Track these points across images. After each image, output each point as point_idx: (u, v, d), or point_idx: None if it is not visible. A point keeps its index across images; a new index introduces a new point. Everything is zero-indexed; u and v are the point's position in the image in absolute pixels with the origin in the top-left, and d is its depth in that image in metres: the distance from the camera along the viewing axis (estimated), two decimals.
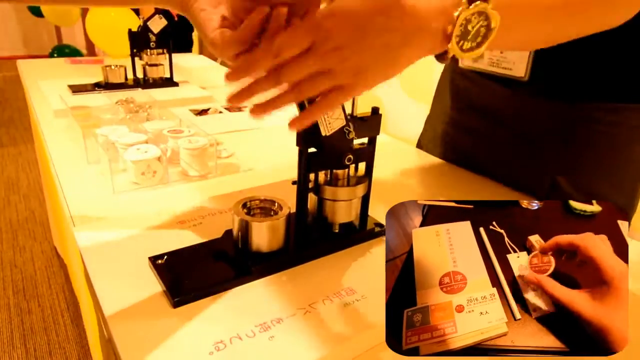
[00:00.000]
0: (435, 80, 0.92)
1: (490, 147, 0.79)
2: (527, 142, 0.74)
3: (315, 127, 0.46)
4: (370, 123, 0.51)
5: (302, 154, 0.48)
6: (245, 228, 0.49)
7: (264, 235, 0.49)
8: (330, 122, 0.47)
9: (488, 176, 0.81)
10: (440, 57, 0.40)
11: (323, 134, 0.47)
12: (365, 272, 0.50)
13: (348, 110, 0.48)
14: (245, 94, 0.39)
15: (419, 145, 0.97)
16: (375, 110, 0.51)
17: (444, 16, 0.36)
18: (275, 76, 0.37)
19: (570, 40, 0.49)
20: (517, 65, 0.62)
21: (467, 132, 0.83)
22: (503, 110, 0.75)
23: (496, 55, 0.61)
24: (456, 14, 0.35)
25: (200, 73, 1.64)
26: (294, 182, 0.50)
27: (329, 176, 0.52)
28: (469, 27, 0.37)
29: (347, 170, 0.52)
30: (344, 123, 0.48)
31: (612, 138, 0.67)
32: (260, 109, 0.39)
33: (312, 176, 0.51)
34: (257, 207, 0.52)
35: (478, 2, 0.35)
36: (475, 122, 0.80)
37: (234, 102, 0.39)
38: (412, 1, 0.35)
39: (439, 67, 0.81)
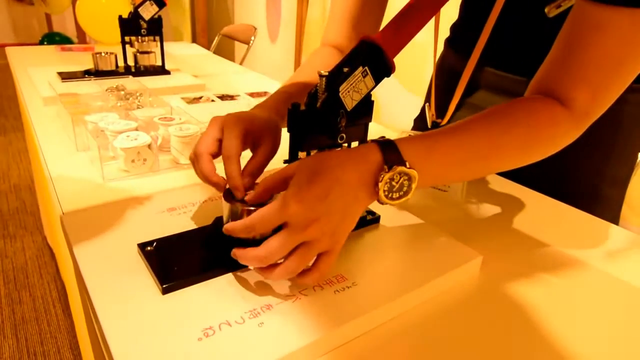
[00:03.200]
0: (428, 71, 0.92)
1: None
2: None
3: (313, 100, 0.46)
4: (363, 110, 0.50)
5: (293, 138, 0.48)
6: (235, 215, 0.48)
7: None
8: (350, 93, 0.47)
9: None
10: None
11: (348, 109, 0.48)
12: (356, 259, 0.50)
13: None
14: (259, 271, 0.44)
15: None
16: (366, 97, 0.50)
17: (374, 180, 0.43)
18: (265, 261, 0.42)
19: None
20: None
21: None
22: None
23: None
24: (380, 178, 0.43)
25: (192, 61, 1.62)
26: (286, 161, 0.49)
27: None
28: (394, 183, 0.44)
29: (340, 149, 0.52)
30: (350, 108, 0.48)
31: (624, 113, 0.70)
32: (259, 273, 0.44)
33: (304, 155, 0.51)
34: (247, 194, 0.51)
35: (395, 167, 0.43)
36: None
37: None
38: (347, 174, 0.42)
39: (432, 59, 0.81)
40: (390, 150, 0.44)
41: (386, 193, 0.44)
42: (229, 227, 0.44)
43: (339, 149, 0.48)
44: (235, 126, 0.51)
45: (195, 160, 0.52)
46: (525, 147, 0.51)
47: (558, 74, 0.52)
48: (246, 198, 0.48)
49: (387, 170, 0.43)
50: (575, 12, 0.50)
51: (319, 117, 0.47)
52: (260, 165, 0.52)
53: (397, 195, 0.45)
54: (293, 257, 0.42)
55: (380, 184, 0.43)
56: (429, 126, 0.68)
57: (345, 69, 0.47)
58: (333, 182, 0.42)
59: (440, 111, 0.71)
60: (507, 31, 0.72)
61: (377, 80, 0.48)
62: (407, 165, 0.43)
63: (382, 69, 0.48)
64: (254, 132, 0.53)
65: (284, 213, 0.41)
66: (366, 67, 0.47)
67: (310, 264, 0.44)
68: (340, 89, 0.46)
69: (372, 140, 0.46)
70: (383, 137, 0.47)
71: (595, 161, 0.74)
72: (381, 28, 0.49)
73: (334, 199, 0.41)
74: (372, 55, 0.47)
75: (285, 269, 0.42)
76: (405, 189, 0.45)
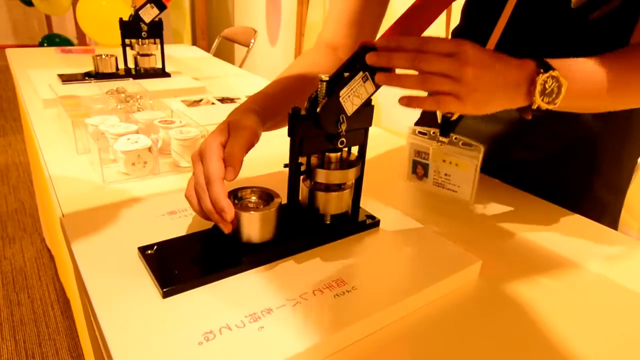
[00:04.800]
0: None
1: (487, 141, 0.80)
2: (526, 133, 0.74)
3: (313, 107, 0.47)
4: (363, 115, 0.51)
5: (294, 143, 0.48)
6: (235, 219, 0.48)
7: (255, 226, 0.49)
8: (350, 98, 0.47)
9: (490, 173, 0.80)
10: (523, 111, 0.53)
11: (348, 113, 0.48)
12: (356, 263, 0.50)
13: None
14: (383, 57, 0.47)
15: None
16: (366, 102, 0.51)
17: (530, 79, 0.49)
18: (416, 56, 0.46)
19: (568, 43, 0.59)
20: (463, 189, 0.69)
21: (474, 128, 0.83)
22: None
23: (441, 177, 0.70)
24: (538, 77, 0.48)
25: (192, 64, 1.62)
26: (285, 165, 0.50)
27: (321, 160, 0.52)
28: (546, 86, 0.49)
29: (339, 154, 0.52)
30: (350, 113, 0.49)
31: (622, 120, 0.71)
32: (385, 78, 0.47)
33: (304, 160, 0.51)
34: (247, 198, 0.52)
35: (551, 70, 0.49)
36: (482, 123, 0.80)
37: (372, 59, 0.47)
38: (513, 66, 0.49)
39: None
40: (542, 62, 0.50)
41: (540, 94, 0.49)
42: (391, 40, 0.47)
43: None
44: (218, 149, 0.49)
45: (204, 192, 0.48)
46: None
47: None
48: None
49: (542, 72, 0.48)
50: None
51: (320, 121, 0.47)
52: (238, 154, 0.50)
53: (548, 99, 0.50)
54: (434, 75, 0.46)
55: (537, 82, 0.48)
56: (439, 120, 0.68)
57: (346, 74, 0.47)
58: (499, 68, 0.48)
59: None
60: (517, 36, 0.72)
61: (378, 86, 0.48)
62: (561, 74, 0.49)
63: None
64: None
65: (459, 45, 0.46)
66: (366, 72, 0.47)
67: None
68: (341, 93, 0.47)
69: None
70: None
71: (595, 167, 0.74)
72: (381, 31, 0.50)
73: (497, 72, 0.47)
74: None
75: (424, 79, 0.46)
76: (554, 95, 0.50)
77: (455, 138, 0.67)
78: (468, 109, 0.48)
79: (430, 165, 0.70)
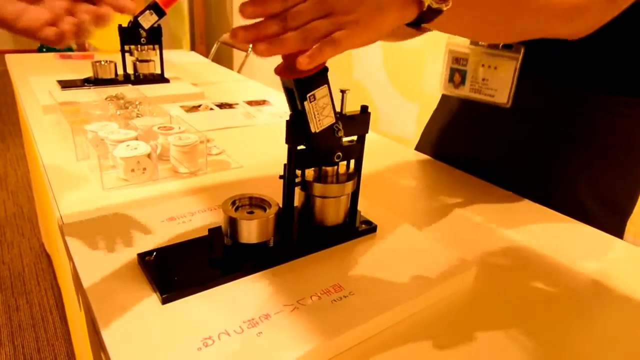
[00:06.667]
0: (423, 78, 0.92)
1: (488, 150, 0.80)
2: (536, 139, 0.74)
3: (305, 124, 0.47)
4: (359, 121, 0.51)
5: (291, 151, 0.49)
6: (233, 226, 0.49)
7: (253, 233, 0.49)
8: (320, 120, 0.47)
9: (485, 177, 0.81)
10: (414, 25, 0.48)
11: (312, 130, 0.47)
12: (353, 269, 0.51)
13: (337, 109, 0.49)
14: (251, 30, 0.42)
15: (418, 147, 0.96)
16: (364, 109, 0.51)
17: None
18: (284, 17, 0.41)
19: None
20: (500, 92, 0.68)
21: (469, 132, 0.83)
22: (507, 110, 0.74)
23: (478, 82, 0.69)
24: None
25: (191, 69, 1.63)
26: (281, 177, 0.50)
27: (318, 173, 0.53)
28: None
29: (336, 167, 0.53)
30: (334, 121, 0.48)
31: (624, 128, 0.70)
32: (265, 47, 0.41)
33: (299, 172, 0.52)
34: (245, 205, 0.52)
35: None
36: (478, 128, 0.80)
37: (238, 37, 0.42)
38: None
39: (429, 67, 0.82)
40: None
41: None
42: None
43: None
44: None
45: None
46: (545, 7, 0.52)
47: None
48: None
49: None
50: None
51: (318, 134, 0.48)
52: None
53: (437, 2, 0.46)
54: (309, 25, 0.41)
55: None
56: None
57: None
58: None
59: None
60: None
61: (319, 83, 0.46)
62: None
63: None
64: None
65: None
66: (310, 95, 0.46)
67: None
68: (311, 126, 0.47)
69: None
70: None
71: (598, 172, 0.73)
72: None
73: None
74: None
75: (304, 35, 0.40)
76: None
77: None
78: (360, 37, 0.43)
79: (468, 71, 0.70)
